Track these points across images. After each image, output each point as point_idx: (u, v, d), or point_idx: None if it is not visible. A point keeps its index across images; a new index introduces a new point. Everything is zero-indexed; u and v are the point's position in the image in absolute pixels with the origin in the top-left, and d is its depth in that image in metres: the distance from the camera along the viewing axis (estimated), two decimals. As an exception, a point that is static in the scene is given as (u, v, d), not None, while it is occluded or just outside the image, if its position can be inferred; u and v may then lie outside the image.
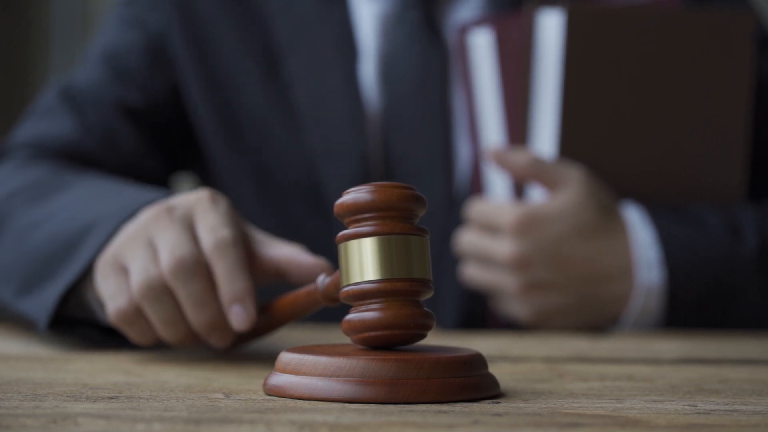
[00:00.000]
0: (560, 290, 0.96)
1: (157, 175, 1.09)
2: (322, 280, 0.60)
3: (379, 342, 0.53)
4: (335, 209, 0.54)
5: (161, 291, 0.65)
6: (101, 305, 0.72)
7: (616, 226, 0.97)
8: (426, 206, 0.55)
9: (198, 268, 0.64)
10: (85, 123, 1.04)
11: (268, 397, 0.53)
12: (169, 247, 0.64)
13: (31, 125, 1.04)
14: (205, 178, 1.13)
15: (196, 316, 0.65)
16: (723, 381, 0.62)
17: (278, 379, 0.53)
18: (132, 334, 0.68)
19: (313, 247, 0.87)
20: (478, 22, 1.03)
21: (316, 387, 0.51)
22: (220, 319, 0.65)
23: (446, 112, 1.05)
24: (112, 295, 0.67)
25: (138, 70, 1.08)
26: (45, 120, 1.04)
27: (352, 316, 0.54)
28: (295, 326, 0.95)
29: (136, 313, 0.67)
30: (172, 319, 0.66)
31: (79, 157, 1.01)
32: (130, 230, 0.68)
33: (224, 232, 0.64)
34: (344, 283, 0.54)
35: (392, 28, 1.07)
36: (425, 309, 0.54)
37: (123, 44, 1.08)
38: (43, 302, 0.74)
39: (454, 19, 1.08)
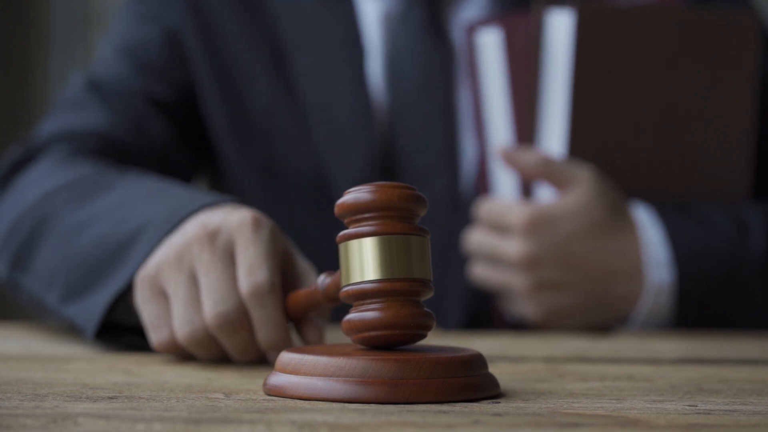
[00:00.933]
0: (569, 290, 0.96)
1: (184, 168, 1.08)
2: (323, 279, 0.60)
3: (379, 342, 0.53)
4: (336, 209, 0.54)
5: (205, 340, 0.66)
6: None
7: (626, 226, 0.97)
8: (426, 206, 0.55)
9: (240, 322, 0.64)
10: (116, 114, 1.04)
11: (268, 397, 0.53)
12: (212, 300, 0.64)
13: (60, 118, 1.03)
14: (215, 175, 1.13)
15: (239, 358, 0.66)
16: (723, 381, 0.62)
17: (278, 379, 0.53)
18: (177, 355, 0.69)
19: (320, 243, 0.87)
20: (486, 21, 1.03)
21: (316, 387, 0.51)
22: (262, 355, 0.66)
23: (451, 110, 1.05)
24: (155, 325, 0.67)
25: (159, 64, 1.08)
26: (74, 112, 1.04)
27: (352, 315, 0.54)
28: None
29: (178, 347, 0.67)
30: (216, 357, 0.67)
31: (112, 148, 1.01)
32: (171, 250, 0.67)
33: (261, 276, 0.63)
34: (344, 283, 0.54)
35: (397, 27, 1.07)
36: (425, 309, 0.54)
37: (141, 39, 1.08)
38: (90, 309, 0.73)
39: (459, 18, 1.08)
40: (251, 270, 0.63)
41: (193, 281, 0.65)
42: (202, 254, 0.65)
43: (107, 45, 1.11)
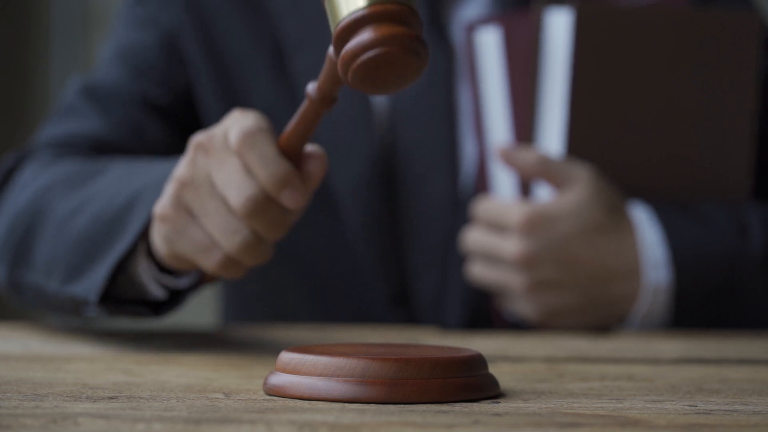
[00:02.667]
0: (567, 289, 0.96)
1: None
2: (312, 85, 0.61)
3: (377, 64, 0.53)
4: None
5: (254, 240, 0.66)
6: (168, 280, 0.72)
7: (624, 226, 0.97)
8: None
9: (267, 200, 0.64)
10: (112, 119, 1.04)
11: (268, 397, 0.53)
12: (236, 189, 0.64)
13: (56, 125, 1.04)
14: None
15: (283, 231, 0.66)
16: (723, 381, 0.62)
17: (278, 378, 0.53)
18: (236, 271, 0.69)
19: (320, 244, 0.87)
20: (486, 20, 1.03)
21: (316, 387, 0.51)
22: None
23: (452, 110, 1.05)
24: (202, 250, 0.67)
25: (156, 67, 1.08)
26: (70, 119, 1.04)
27: (348, 45, 0.54)
28: (293, 326, 0.95)
29: (234, 261, 0.67)
30: (259, 248, 0.67)
31: (107, 152, 1.01)
32: (181, 170, 0.67)
33: (247, 123, 0.64)
34: (334, 25, 0.54)
35: (397, 27, 1.07)
36: (418, 32, 0.54)
37: (138, 43, 1.08)
38: (92, 282, 0.73)
39: (459, 18, 1.08)
40: (238, 124, 0.65)
41: (214, 189, 0.66)
42: (209, 159, 0.65)
43: (106, 49, 1.12)
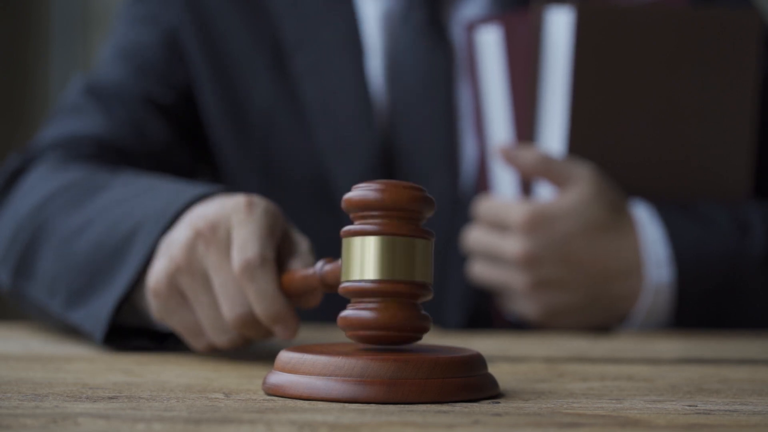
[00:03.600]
0: (569, 288, 0.96)
1: (184, 170, 1.08)
2: (321, 266, 0.60)
3: (373, 341, 0.53)
4: (343, 203, 0.54)
5: (241, 340, 0.67)
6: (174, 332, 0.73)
7: (625, 224, 0.97)
8: (434, 208, 0.54)
9: (258, 321, 0.65)
10: (114, 118, 1.04)
11: (268, 397, 0.53)
12: (229, 301, 0.64)
13: (59, 124, 1.04)
14: (215, 175, 1.13)
15: (264, 340, 0.68)
16: (723, 381, 0.62)
17: (277, 378, 0.53)
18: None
19: (321, 243, 0.87)
20: (486, 19, 1.03)
21: (315, 386, 0.51)
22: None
23: (452, 109, 1.05)
24: (191, 333, 0.68)
25: (158, 66, 1.08)
26: (73, 118, 1.04)
27: (348, 312, 0.54)
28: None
29: (217, 348, 0.69)
30: (246, 343, 0.69)
31: (110, 152, 1.01)
32: (179, 252, 0.66)
33: (251, 251, 0.63)
34: (344, 278, 0.54)
35: (397, 26, 1.07)
36: (423, 312, 0.54)
37: (140, 41, 1.08)
38: (95, 313, 0.73)
39: (459, 17, 1.08)
40: (241, 248, 0.64)
41: (209, 283, 0.66)
42: (208, 253, 0.65)
43: (107, 48, 1.12)
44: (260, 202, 0.66)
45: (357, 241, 0.53)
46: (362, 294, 0.53)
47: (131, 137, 1.04)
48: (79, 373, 0.62)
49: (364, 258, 0.53)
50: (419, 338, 0.54)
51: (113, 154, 1.01)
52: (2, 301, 0.91)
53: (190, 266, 0.66)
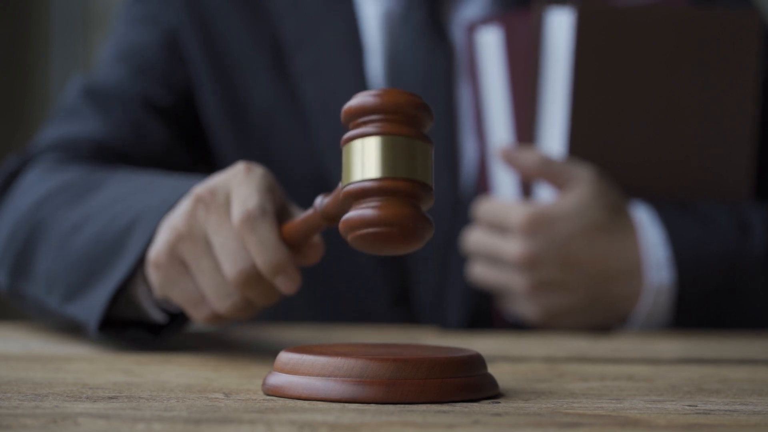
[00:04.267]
0: (569, 290, 0.96)
1: (184, 169, 1.08)
2: (321, 200, 0.60)
3: (376, 240, 0.53)
4: (342, 115, 0.54)
5: (244, 304, 0.67)
6: (168, 305, 0.72)
7: (626, 226, 0.97)
8: (433, 118, 0.54)
9: (260, 277, 0.65)
10: (113, 120, 1.04)
11: (268, 397, 0.53)
12: (230, 258, 0.64)
13: (58, 127, 1.03)
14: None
15: (271, 301, 0.67)
16: (723, 381, 0.62)
17: (277, 378, 0.53)
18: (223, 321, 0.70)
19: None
20: (487, 20, 1.03)
21: (314, 387, 0.51)
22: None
23: (452, 110, 1.05)
24: (192, 302, 0.68)
25: (157, 66, 1.08)
26: (71, 121, 1.04)
27: (351, 213, 0.53)
28: (294, 326, 0.95)
29: (222, 318, 0.69)
30: (248, 310, 0.68)
31: (109, 154, 1.01)
32: (179, 220, 0.67)
33: (251, 203, 0.64)
34: (345, 182, 0.54)
35: (397, 26, 1.07)
36: (425, 214, 0.53)
37: (139, 42, 1.08)
38: (91, 305, 0.73)
39: (460, 18, 1.08)
40: (241, 202, 0.64)
41: (210, 247, 0.66)
42: (208, 216, 0.65)
43: (107, 49, 1.11)
44: (258, 168, 0.67)
45: (357, 143, 0.53)
46: (364, 193, 0.52)
47: (130, 139, 1.03)
48: (79, 373, 0.62)
49: (364, 158, 0.52)
50: (422, 240, 0.53)
51: (111, 156, 1.01)
52: (2, 301, 0.91)
53: (191, 232, 0.66)
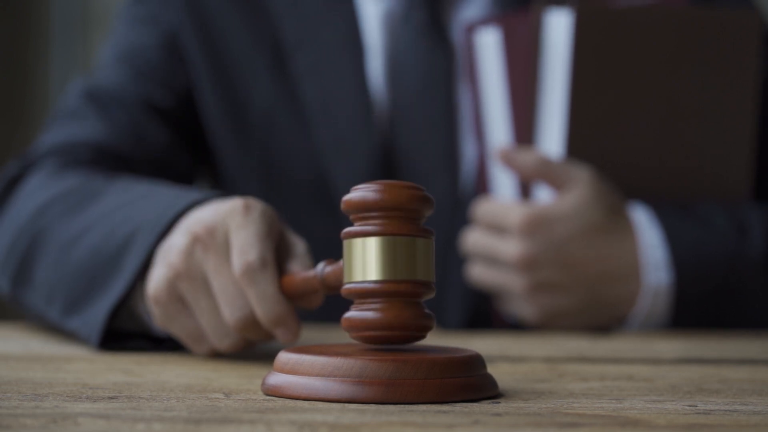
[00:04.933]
0: (567, 291, 0.96)
1: (185, 171, 1.08)
2: (322, 268, 0.60)
3: (378, 341, 0.53)
4: (342, 205, 0.54)
5: (243, 343, 0.67)
6: (172, 335, 0.73)
7: (624, 227, 0.97)
8: (433, 207, 0.55)
9: (259, 323, 0.65)
10: (113, 123, 1.04)
11: (268, 397, 0.53)
12: (230, 305, 0.64)
13: (58, 130, 1.03)
14: (215, 177, 1.13)
15: (266, 342, 0.68)
16: (723, 381, 0.62)
17: (276, 378, 0.53)
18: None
19: (321, 243, 0.87)
20: (486, 21, 1.03)
21: (314, 387, 0.51)
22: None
23: (452, 111, 1.05)
24: (193, 338, 0.69)
25: (158, 67, 1.07)
26: (71, 124, 1.04)
27: (352, 314, 0.54)
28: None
29: (218, 353, 0.69)
30: (248, 347, 0.69)
31: (109, 157, 1.01)
32: (177, 258, 0.66)
33: (251, 255, 0.63)
34: (347, 280, 0.54)
35: (398, 27, 1.07)
36: (426, 310, 0.54)
37: (140, 43, 1.08)
38: (92, 320, 0.74)
39: (459, 18, 1.08)
40: (242, 251, 0.64)
41: (208, 288, 0.66)
42: (207, 258, 0.65)
43: (107, 50, 1.11)
44: (257, 205, 0.66)
45: (358, 242, 0.53)
46: (366, 295, 0.53)
47: (130, 142, 1.03)
48: (79, 373, 0.62)
49: (366, 259, 0.53)
50: (424, 336, 0.54)
51: (112, 159, 1.01)
52: (2, 301, 0.91)
53: (189, 272, 0.66)
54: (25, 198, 0.90)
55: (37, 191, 0.90)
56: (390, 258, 0.53)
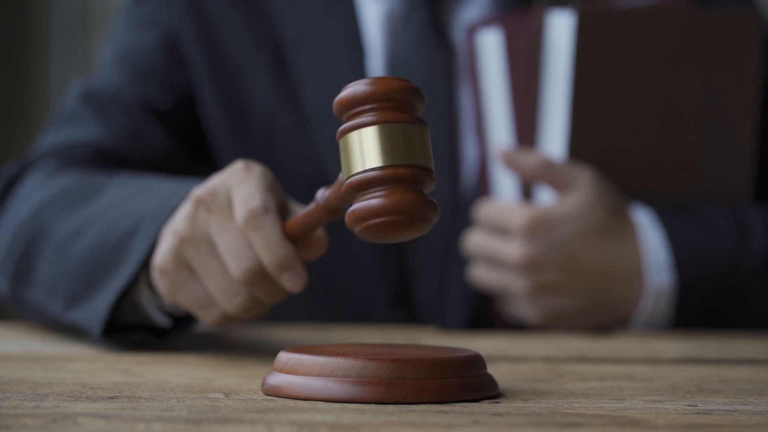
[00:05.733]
0: (570, 292, 0.96)
1: (184, 173, 1.08)
2: (322, 193, 0.60)
3: (384, 229, 0.53)
4: (334, 107, 0.54)
5: (254, 302, 0.66)
6: (173, 308, 0.72)
7: (626, 229, 0.97)
8: (425, 101, 0.54)
9: (266, 274, 0.65)
10: (112, 125, 1.04)
11: (268, 397, 0.53)
12: (235, 259, 0.64)
13: (57, 132, 1.03)
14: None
15: (279, 299, 0.67)
16: (723, 381, 0.62)
17: (276, 378, 0.53)
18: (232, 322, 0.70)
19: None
20: (487, 21, 1.03)
21: (314, 387, 0.51)
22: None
23: (452, 112, 1.05)
24: (201, 306, 0.68)
25: (157, 69, 1.07)
26: (70, 126, 1.03)
27: (356, 205, 0.53)
28: (294, 326, 0.95)
29: (232, 319, 0.69)
30: (257, 308, 0.68)
31: (108, 159, 1.00)
32: (181, 225, 0.67)
33: (253, 202, 0.64)
34: (346, 176, 0.54)
35: (398, 28, 1.07)
36: (429, 198, 0.53)
37: (139, 44, 1.08)
38: (94, 311, 0.73)
39: (461, 19, 1.08)
40: (244, 201, 0.64)
41: (214, 249, 0.66)
42: (210, 217, 0.65)
43: (107, 51, 1.11)
44: (257, 166, 0.67)
45: (354, 135, 0.53)
46: (367, 184, 0.53)
47: (129, 144, 1.03)
48: (79, 373, 0.62)
49: (363, 149, 0.53)
50: (429, 224, 0.54)
51: (111, 161, 1.01)
52: (2, 301, 0.91)
53: (194, 236, 0.66)
54: (23, 198, 0.90)
55: (35, 190, 0.90)
56: (387, 144, 0.52)
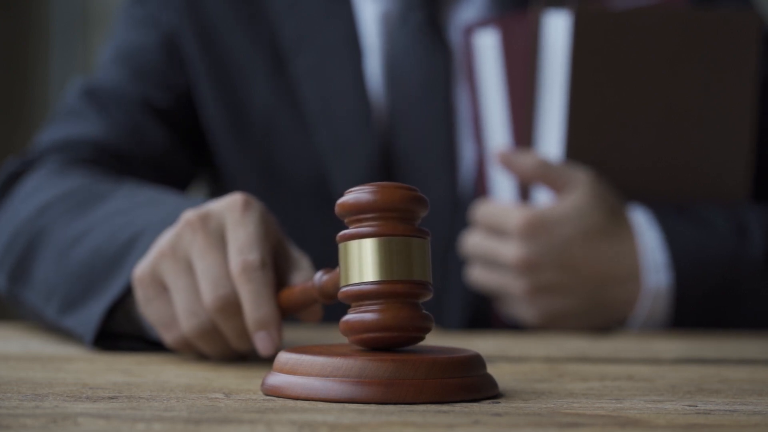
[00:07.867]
0: (567, 293, 0.96)
1: (184, 172, 1.08)
2: (320, 277, 0.60)
3: (377, 343, 0.53)
4: (336, 209, 0.54)
5: (210, 330, 0.65)
6: (150, 325, 0.72)
7: (624, 229, 0.97)
8: (428, 207, 0.54)
9: (239, 304, 0.64)
10: (113, 121, 1.04)
11: (268, 397, 0.53)
12: (210, 284, 0.64)
13: (57, 128, 1.03)
14: (214, 178, 1.13)
15: (241, 345, 0.66)
16: (723, 381, 0.62)
17: (276, 379, 0.53)
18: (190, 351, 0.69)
19: (321, 245, 0.87)
20: (484, 22, 1.03)
21: (313, 387, 0.51)
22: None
23: (450, 113, 1.05)
24: (164, 324, 0.67)
25: (157, 68, 1.07)
26: (71, 122, 1.04)
27: (350, 316, 0.54)
28: (294, 326, 0.95)
29: (188, 343, 0.68)
30: (220, 349, 0.67)
31: (109, 155, 1.00)
32: (164, 241, 0.66)
33: (252, 255, 0.63)
34: (343, 283, 0.54)
35: (396, 28, 1.07)
36: (424, 311, 0.54)
37: (139, 43, 1.08)
38: (88, 318, 0.73)
39: (458, 19, 1.08)
40: (242, 249, 0.63)
41: (191, 269, 0.65)
42: (194, 239, 0.65)
43: (107, 51, 1.11)
44: (257, 205, 0.66)
45: (354, 244, 0.53)
46: (363, 297, 0.53)
47: (129, 141, 1.03)
48: (79, 373, 0.62)
49: (362, 261, 0.53)
50: (422, 338, 0.54)
51: (111, 158, 1.01)
52: (2, 301, 0.91)
53: (174, 252, 0.65)
54: (25, 196, 0.90)
55: (38, 189, 0.90)
56: (386, 259, 0.53)
